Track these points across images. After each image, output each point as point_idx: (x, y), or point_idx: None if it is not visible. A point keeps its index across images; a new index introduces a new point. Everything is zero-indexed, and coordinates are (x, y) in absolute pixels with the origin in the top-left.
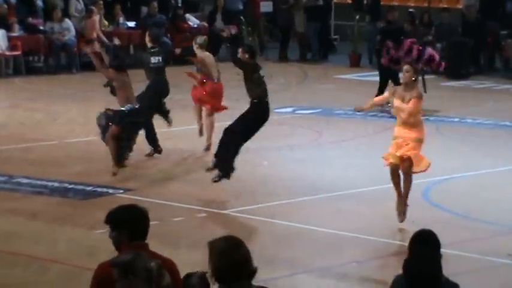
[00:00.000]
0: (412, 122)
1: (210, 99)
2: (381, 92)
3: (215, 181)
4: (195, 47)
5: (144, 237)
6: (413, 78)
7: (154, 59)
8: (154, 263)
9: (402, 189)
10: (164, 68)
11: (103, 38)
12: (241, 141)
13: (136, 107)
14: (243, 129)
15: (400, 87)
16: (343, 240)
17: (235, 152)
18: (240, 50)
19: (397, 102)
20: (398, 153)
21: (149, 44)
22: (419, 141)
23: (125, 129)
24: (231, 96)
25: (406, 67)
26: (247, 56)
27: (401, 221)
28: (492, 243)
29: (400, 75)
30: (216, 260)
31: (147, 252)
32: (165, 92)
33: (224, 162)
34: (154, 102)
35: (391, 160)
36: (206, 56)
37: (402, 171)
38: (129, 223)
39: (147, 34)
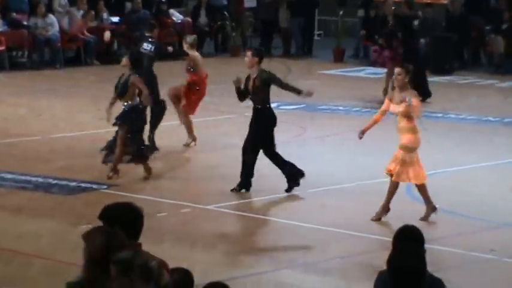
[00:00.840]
0: (402, 127)
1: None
2: None
3: (234, 190)
4: (185, 47)
5: (137, 237)
6: (406, 80)
7: (147, 46)
8: (155, 262)
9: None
10: (154, 59)
11: (86, 34)
12: (255, 155)
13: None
14: (253, 143)
15: (394, 91)
16: (327, 236)
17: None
18: (249, 53)
19: (393, 107)
20: (385, 171)
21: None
22: (408, 149)
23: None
24: (213, 92)
25: (397, 70)
26: (256, 59)
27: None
28: (476, 239)
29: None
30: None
31: (143, 251)
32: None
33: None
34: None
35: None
36: (196, 55)
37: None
38: (124, 221)
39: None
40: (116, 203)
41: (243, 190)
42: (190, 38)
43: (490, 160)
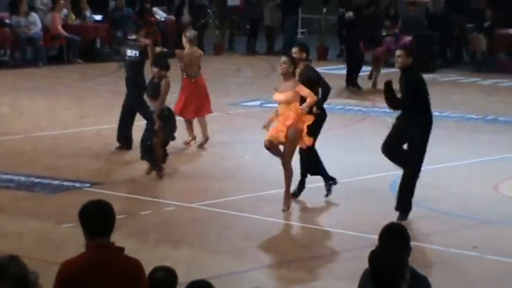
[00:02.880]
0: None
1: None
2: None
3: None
4: (184, 41)
5: (104, 234)
6: (290, 70)
7: (130, 52)
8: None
9: None
10: (141, 65)
11: (64, 33)
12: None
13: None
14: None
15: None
16: (311, 233)
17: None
18: (296, 49)
19: (277, 96)
20: None
21: (134, 36)
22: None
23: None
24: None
25: (283, 59)
26: (304, 55)
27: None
28: (458, 236)
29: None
30: None
31: (110, 251)
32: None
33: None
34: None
35: None
36: (195, 51)
37: None
38: (86, 219)
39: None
40: (88, 201)
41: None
42: (190, 33)
43: (473, 158)
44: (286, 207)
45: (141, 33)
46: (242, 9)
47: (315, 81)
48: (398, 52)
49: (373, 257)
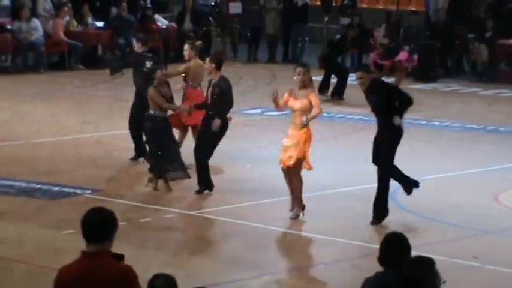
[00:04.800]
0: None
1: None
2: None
3: None
4: (193, 53)
5: (100, 241)
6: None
7: (149, 63)
8: None
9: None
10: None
11: (65, 40)
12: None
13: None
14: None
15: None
16: (310, 242)
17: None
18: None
19: (292, 102)
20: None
21: (143, 49)
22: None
23: None
24: None
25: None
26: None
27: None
28: (458, 246)
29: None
30: None
31: (100, 257)
32: None
33: None
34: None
35: None
36: (200, 63)
37: None
38: (82, 225)
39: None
40: (90, 209)
41: None
42: (198, 44)
43: (474, 167)
44: (295, 216)
45: (149, 44)
46: (243, 17)
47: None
48: (359, 74)
49: (405, 270)
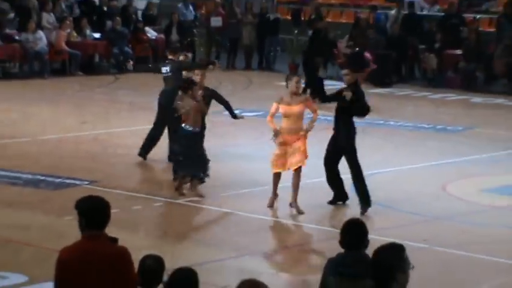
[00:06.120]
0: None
1: None
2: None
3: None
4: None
5: (100, 226)
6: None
7: (165, 69)
8: None
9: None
10: (172, 78)
11: (66, 49)
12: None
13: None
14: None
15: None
16: (283, 227)
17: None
18: (345, 72)
19: (289, 108)
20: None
21: (171, 57)
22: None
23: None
24: None
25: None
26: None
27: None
28: (410, 230)
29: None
30: None
31: (101, 240)
32: (167, 103)
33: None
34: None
35: None
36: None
37: None
38: (86, 212)
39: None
40: (87, 196)
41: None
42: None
43: (424, 162)
44: (297, 210)
45: (178, 55)
46: (223, 29)
47: None
48: (344, 71)
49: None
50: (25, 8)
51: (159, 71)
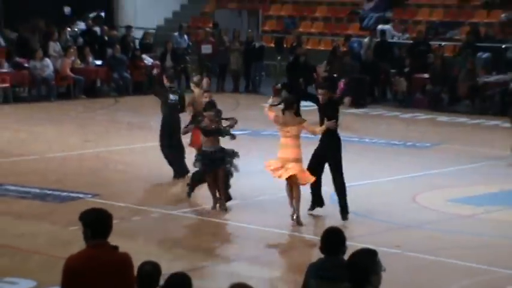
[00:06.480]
0: (294, 143)
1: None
2: None
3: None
4: (192, 86)
5: (104, 236)
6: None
7: (173, 97)
8: None
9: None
10: (178, 106)
11: (71, 75)
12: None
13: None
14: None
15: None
16: (268, 235)
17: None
18: (322, 92)
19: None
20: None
21: (168, 84)
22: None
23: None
24: None
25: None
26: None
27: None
28: (384, 237)
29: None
30: None
31: (105, 248)
32: (175, 127)
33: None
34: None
35: None
36: (196, 93)
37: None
38: (91, 223)
39: (164, 75)
40: (91, 208)
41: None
42: (196, 78)
43: (396, 175)
44: (297, 221)
45: (204, 81)
46: (213, 56)
47: None
48: (320, 91)
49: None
50: (28, 40)
51: (167, 98)
